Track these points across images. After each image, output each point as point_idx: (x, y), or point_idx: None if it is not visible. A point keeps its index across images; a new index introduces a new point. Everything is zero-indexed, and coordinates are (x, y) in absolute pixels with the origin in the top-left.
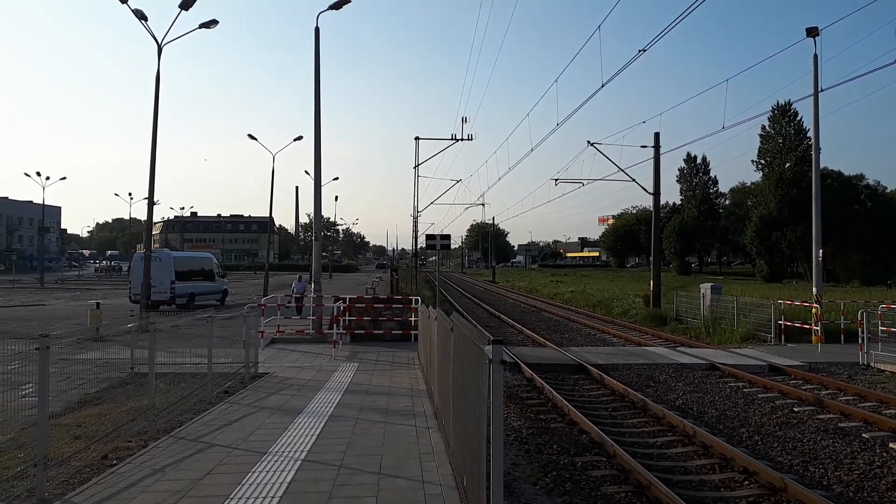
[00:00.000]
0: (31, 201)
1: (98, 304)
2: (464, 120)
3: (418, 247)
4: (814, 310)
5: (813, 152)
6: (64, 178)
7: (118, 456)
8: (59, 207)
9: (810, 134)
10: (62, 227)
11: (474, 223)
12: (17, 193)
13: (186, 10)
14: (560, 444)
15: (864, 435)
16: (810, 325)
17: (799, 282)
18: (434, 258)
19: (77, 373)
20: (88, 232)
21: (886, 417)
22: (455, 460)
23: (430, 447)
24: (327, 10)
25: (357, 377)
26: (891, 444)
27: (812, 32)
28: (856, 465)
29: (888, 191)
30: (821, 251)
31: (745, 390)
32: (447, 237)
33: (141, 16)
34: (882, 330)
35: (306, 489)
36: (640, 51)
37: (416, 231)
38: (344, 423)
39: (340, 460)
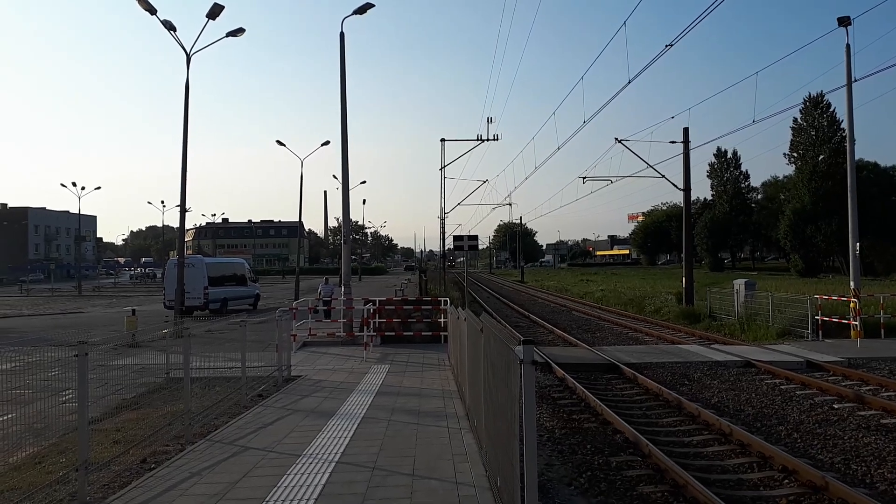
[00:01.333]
0: (68, 211)
1: (133, 310)
2: (489, 120)
3: (446, 248)
4: (852, 304)
5: (847, 143)
6: (98, 188)
7: (156, 460)
8: (95, 217)
9: (844, 125)
10: (98, 235)
11: (502, 223)
12: (54, 204)
13: (213, 19)
14: (594, 444)
15: None
16: (848, 319)
17: (835, 276)
18: (462, 259)
19: (114, 378)
20: (123, 240)
21: None
22: (488, 461)
23: (462, 448)
24: (352, 14)
25: (388, 379)
26: None
27: (844, 22)
28: None
29: None
30: (857, 244)
31: (782, 387)
32: (475, 238)
33: (170, 26)
34: None
35: (341, 491)
36: (666, 46)
37: (443, 232)
38: (376, 425)
39: (374, 462)
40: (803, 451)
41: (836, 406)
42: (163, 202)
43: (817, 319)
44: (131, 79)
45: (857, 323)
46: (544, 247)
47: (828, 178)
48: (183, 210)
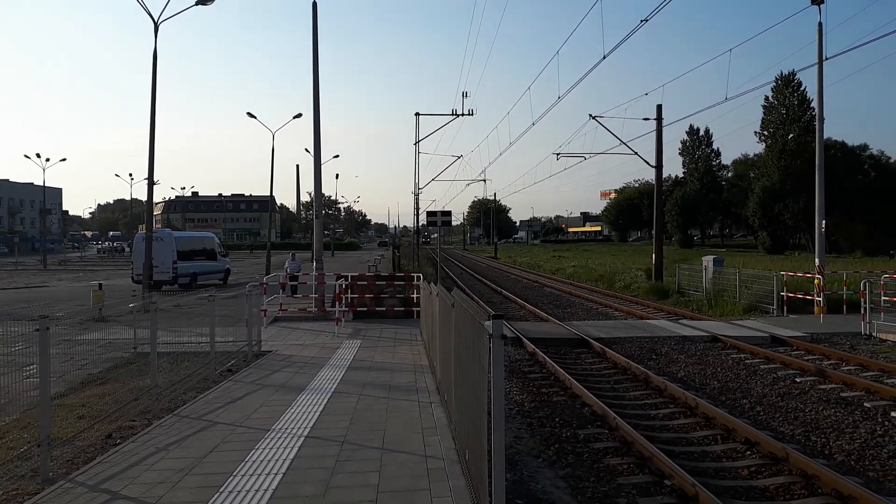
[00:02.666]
0: (32, 183)
1: (100, 284)
2: (464, 95)
3: (420, 224)
4: (816, 281)
5: (817, 122)
6: (64, 160)
7: (122, 435)
8: (60, 189)
9: (814, 104)
10: (63, 208)
11: (476, 200)
12: (18, 176)
13: None
14: (562, 418)
15: (865, 404)
16: (813, 296)
17: (801, 253)
18: (436, 235)
19: (80, 353)
20: (90, 213)
21: (888, 386)
22: (457, 434)
23: (432, 422)
24: None
25: (360, 354)
26: (892, 413)
27: (817, 0)
28: (857, 434)
29: (892, 161)
30: (823, 222)
31: (746, 362)
32: (448, 213)
33: None
34: (885, 300)
35: (310, 465)
36: (641, 21)
37: (417, 208)
38: (347, 400)
39: (343, 436)
40: (766, 424)
41: (798, 380)
42: (131, 175)
43: (783, 295)
44: (97, 48)
45: (820, 299)
46: (518, 223)
47: (797, 156)
48: (151, 183)
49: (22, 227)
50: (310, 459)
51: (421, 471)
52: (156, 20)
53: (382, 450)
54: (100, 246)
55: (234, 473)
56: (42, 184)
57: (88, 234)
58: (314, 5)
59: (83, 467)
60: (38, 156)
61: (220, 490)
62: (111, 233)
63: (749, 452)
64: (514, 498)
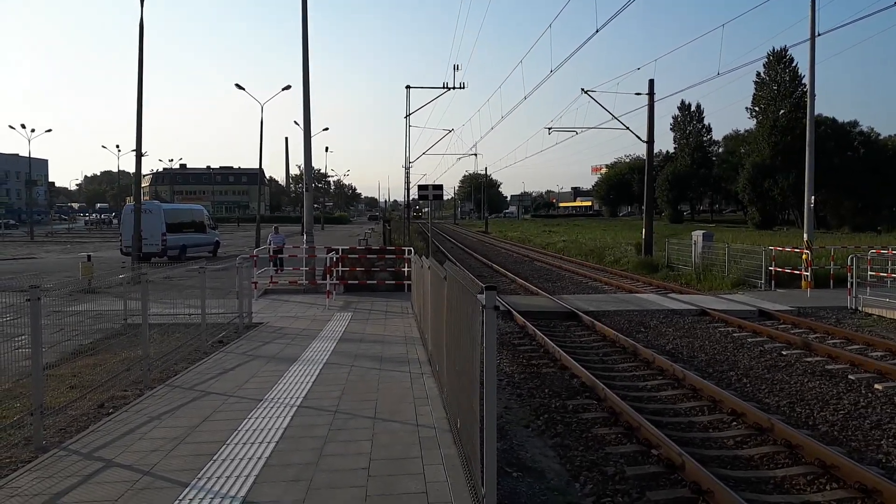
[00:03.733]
0: (17, 154)
1: (89, 256)
2: (455, 68)
3: (411, 198)
4: (804, 255)
5: (808, 97)
6: (49, 131)
7: (114, 405)
8: (46, 160)
9: (805, 80)
10: (50, 180)
11: (467, 174)
12: (3, 147)
13: None
14: (552, 389)
15: (849, 377)
16: (800, 270)
17: (790, 229)
18: (427, 209)
19: (71, 324)
20: (77, 185)
21: (872, 359)
22: (448, 404)
23: (424, 392)
24: None
25: (351, 326)
26: (875, 385)
27: None
28: (841, 405)
29: (882, 137)
30: (813, 198)
31: (734, 335)
32: (439, 187)
33: None
34: (871, 275)
35: (303, 434)
36: None
37: (407, 181)
38: (339, 371)
39: (336, 406)
40: (752, 396)
41: (784, 353)
42: (118, 146)
43: (771, 270)
44: (82, 17)
45: (808, 274)
46: (509, 198)
47: (787, 132)
48: (139, 154)
49: (8, 199)
50: (302, 428)
51: (413, 439)
52: None
53: (374, 419)
54: (87, 218)
55: (228, 442)
56: (28, 155)
57: (76, 205)
58: None
59: (76, 436)
60: (24, 126)
61: (214, 458)
62: (98, 205)
63: (735, 423)
64: (503, 466)
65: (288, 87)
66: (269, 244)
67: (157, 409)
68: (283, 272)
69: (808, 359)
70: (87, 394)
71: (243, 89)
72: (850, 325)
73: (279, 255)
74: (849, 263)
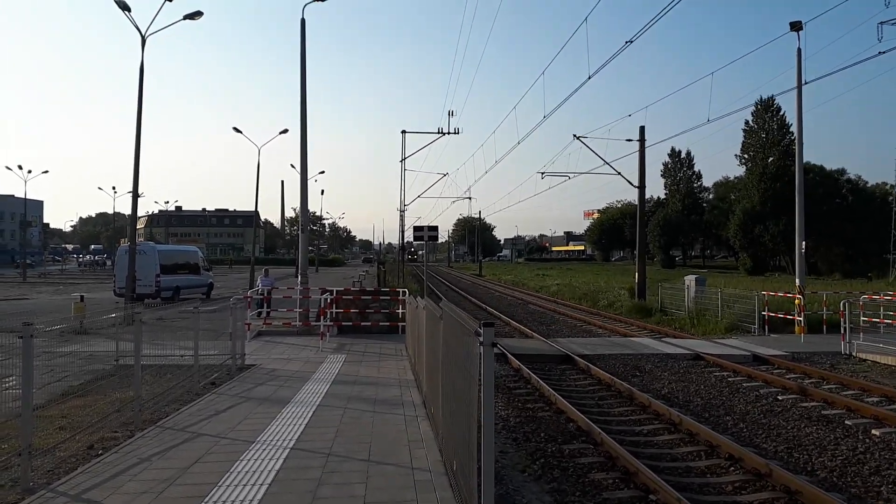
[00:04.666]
0: (13, 195)
1: (82, 297)
2: (450, 114)
3: (405, 240)
4: (797, 300)
5: (796, 144)
6: (46, 172)
7: (104, 446)
8: (42, 202)
9: (793, 128)
10: (45, 221)
11: (461, 217)
12: None
13: (171, 0)
14: (548, 433)
15: (846, 422)
16: (793, 315)
17: (781, 275)
18: (422, 252)
19: (61, 365)
20: (72, 226)
21: (868, 405)
22: (444, 446)
23: (418, 435)
24: (313, 1)
25: (345, 368)
26: (873, 431)
27: (796, 27)
28: (839, 451)
29: (869, 185)
30: (804, 243)
31: (729, 379)
32: (434, 228)
33: (124, 6)
34: (864, 320)
35: (296, 476)
36: (626, 42)
37: (402, 224)
38: (332, 413)
39: (329, 448)
40: (749, 440)
41: (780, 397)
42: (114, 188)
43: (764, 315)
44: (82, 60)
45: (801, 319)
46: (502, 241)
47: (777, 179)
48: (135, 195)
49: (2, 240)
50: (295, 471)
51: (408, 482)
52: (143, 34)
53: (368, 462)
54: (81, 259)
55: (219, 484)
56: (23, 196)
57: (70, 247)
58: (302, 22)
59: (64, 477)
60: (20, 167)
61: (205, 500)
62: (93, 246)
63: (733, 468)
64: None
65: (285, 131)
66: (258, 287)
67: (147, 451)
68: (270, 314)
69: (805, 404)
70: (77, 435)
71: (241, 132)
72: (844, 371)
73: (266, 298)
74: (841, 308)
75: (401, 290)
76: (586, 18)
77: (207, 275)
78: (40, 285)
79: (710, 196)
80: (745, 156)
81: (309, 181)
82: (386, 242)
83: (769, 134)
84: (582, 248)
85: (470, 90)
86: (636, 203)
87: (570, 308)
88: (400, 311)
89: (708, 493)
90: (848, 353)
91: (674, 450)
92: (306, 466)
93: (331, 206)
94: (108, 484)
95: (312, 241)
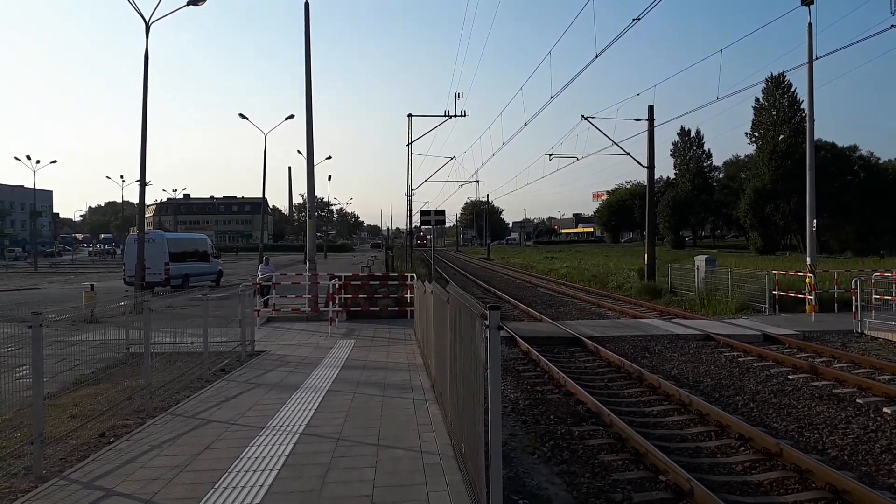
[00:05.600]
0: (22, 185)
1: (92, 286)
2: (457, 96)
3: (413, 225)
4: (808, 279)
5: (807, 121)
6: (55, 162)
7: (115, 433)
8: (51, 191)
9: (804, 105)
10: (54, 211)
11: (469, 201)
12: (8, 178)
13: None
14: (557, 415)
15: (858, 400)
16: (804, 294)
17: (792, 254)
18: (429, 236)
19: (72, 354)
20: (81, 216)
21: (880, 383)
22: (453, 430)
23: (427, 418)
24: None
25: (354, 353)
26: (884, 409)
27: (807, 1)
28: (850, 429)
29: (881, 162)
30: (815, 221)
31: (739, 359)
32: (441, 212)
33: None
34: (875, 298)
35: (305, 461)
36: (634, 19)
37: (410, 209)
38: (342, 398)
39: (339, 433)
40: (759, 420)
41: (790, 377)
42: (122, 177)
43: (774, 294)
44: (87, 49)
45: (812, 298)
46: (510, 224)
47: (787, 157)
48: (143, 184)
49: (12, 230)
50: (305, 456)
51: (417, 466)
52: (147, 20)
53: (378, 446)
54: (91, 249)
55: (230, 470)
56: (32, 186)
57: (79, 236)
58: (306, 6)
59: (76, 465)
60: (29, 157)
61: (216, 486)
62: (102, 235)
63: (743, 448)
64: (510, 493)
65: (291, 117)
66: (259, 276)
67: (158, 438)
68: (268, 302)
69: (815, 383)
70: (88, 422)
71: (247, 119)
72: (856, 349)
73: (267, 284)
74: (853, 287)
75: (409, 274)
76: None
77: (216, 262)
78: (51, 275)
79: (721, 175)
80: (756, 134)
81: (316, 167)
82: (394, 227)
83: (780, 111)
84: (591, 230)
85: (476, 72)
86: (645, 183)
87: (580, 290)
88: (408, 295)
89: (718, 474)
90: (860, 331)
91: (684, 430)
92: (316, 451)
93: (338, 192)
94: (119, 471)
95: (320, 227)
